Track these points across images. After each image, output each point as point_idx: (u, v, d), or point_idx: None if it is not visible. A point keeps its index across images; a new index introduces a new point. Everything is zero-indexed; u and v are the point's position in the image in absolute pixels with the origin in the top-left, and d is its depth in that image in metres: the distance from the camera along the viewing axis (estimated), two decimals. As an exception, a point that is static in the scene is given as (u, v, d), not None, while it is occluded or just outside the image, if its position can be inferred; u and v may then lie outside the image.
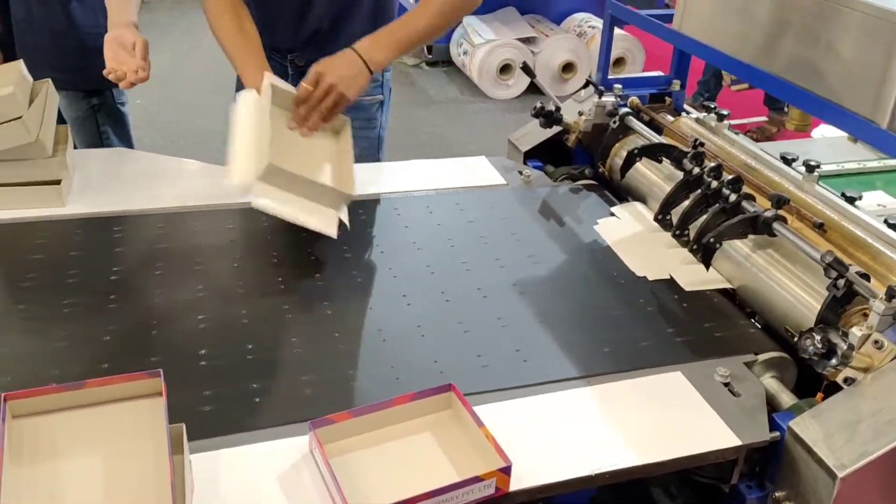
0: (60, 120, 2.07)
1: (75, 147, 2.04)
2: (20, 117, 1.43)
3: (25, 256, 1.38)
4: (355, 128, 1.87)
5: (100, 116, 2.18)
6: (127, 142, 2.29)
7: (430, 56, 5.50)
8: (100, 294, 1.28)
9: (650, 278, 1.44)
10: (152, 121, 3.90)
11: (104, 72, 1.59)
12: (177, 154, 1.88)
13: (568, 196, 1.79)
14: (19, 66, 1.54)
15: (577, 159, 1.97)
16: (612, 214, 1.67)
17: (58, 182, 1.52)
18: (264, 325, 1.25)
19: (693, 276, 1.44)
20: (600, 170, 1.85)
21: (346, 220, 1.46)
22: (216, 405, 1.05)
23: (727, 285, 1.43)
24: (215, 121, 2.76)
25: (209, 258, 1.42)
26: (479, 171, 1.85)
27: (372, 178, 1.78)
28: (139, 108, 2.28)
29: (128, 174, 1.69)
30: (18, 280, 1.32)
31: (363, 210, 1.63)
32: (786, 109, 4.31)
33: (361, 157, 1.92)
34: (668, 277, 1.44)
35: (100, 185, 1.62)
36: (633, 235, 1.58)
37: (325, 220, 1.43)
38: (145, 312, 1.26)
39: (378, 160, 1.97)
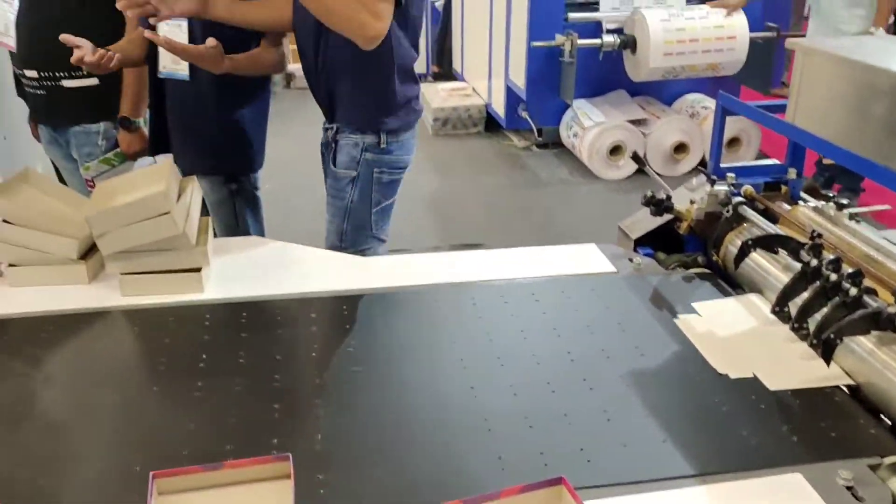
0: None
1: (215, 234, 2.24)
2: (169, 212, 1.58)
3: (167, 339, 1.51)
4: (329, 194, 2.11)
5: (237, 201, 2.37)
6: (260, 224, 2.47)
7: (541, 139, 5.60)
8: (222, 376, 1.38)
9: (732, 376, 1.40)
10: (279, 204, 4.15)
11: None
12: (300, 236, 2.02)
13: (680, 285, 1.78)
14: (170, 164, 1.72)
15: (688, 246, 1.96)
16: (693, 310, 1.63)
17: (198, 270, 1.66)
18: (400, 410, 1.30)
19: (781, 374, 1.39)
20: (714, 258, 1.84)
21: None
22: (326, 489, 1.10)
23: (815, 385, 1.37)
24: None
25: (327, 343, 1.51)
26: (588, 259, 1.88)
27: (484, 264, 1.85)
28: (267, 193, 2.46)
29: (260, 261, 1.82)
30: (159, 362, 1.45)
31: (469, 295, 1.68)
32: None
33: (330, 221, 2.13)
34: (752, 376, 1.39)
35: (235, 272, 1.75)
36: (719, 331, 1.55)
37: None
38: (266, 396, 1.33)
39: (342, 229, 2.09)
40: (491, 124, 6.05)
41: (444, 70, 7.27)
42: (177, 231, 1.59)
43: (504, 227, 4.33)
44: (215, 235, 2.35)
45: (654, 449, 1.22)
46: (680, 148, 5.12)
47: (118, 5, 1.97)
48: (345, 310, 1.62)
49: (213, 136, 2.25)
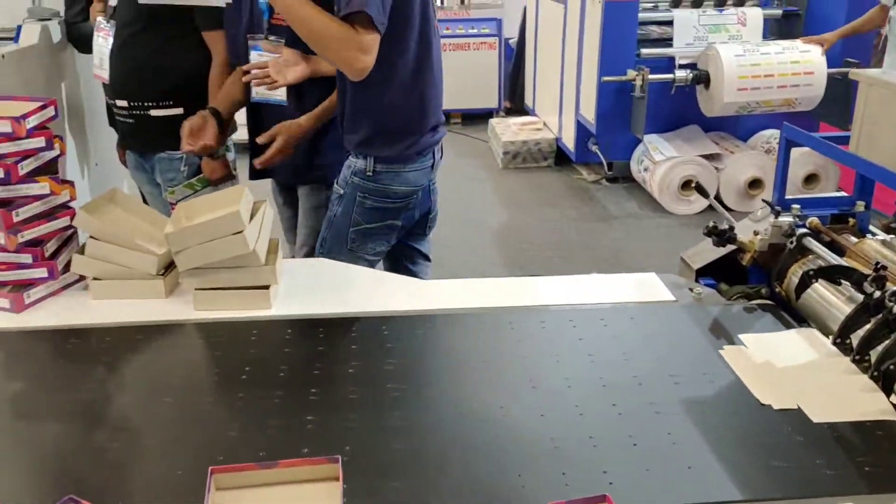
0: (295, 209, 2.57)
1: (297, 242, 2.37)
2: (241, 231, 1.67)
3: (232, 352, 1.59)
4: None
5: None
6: None
7: (611, 173, 5.60)
8: (264, 388, 1.44)
9: (775, 407, 1.37)
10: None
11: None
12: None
13: (740, 315, 1.76)
14: (244, 189, 1.81)
15: (752, 278, 1.94)
16: (741, 342, 1.60)
17: (267, 287, 1.74)
18: (427, 427, 1.33)
19: (830, 407, 1.35)
20: (777, 290, 1.82)
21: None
22: (346, 498, 1.11)
23: (870, 418, 1.32)
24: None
25: (366, 361, 1.55)
26: (648, 287, 1.88)
27: (536, 291, 1.87)
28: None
29: (325, 282, 1.89)
30: (219, 373, 1.53)
31: (507, 320, 1.71)
32: None
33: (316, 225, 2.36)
34: (795, 407, 1.37)
35: (301, 291, 1.83)
36: (768, 362, 1.52)
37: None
38: (301, 408, 1.38)
39: (324, 236, 2.25)
40: (561, 158, 6.08)
41: (517, 105, 7.36)
42: (247, 249, 1.67)
43: (571, 260, 4.33)
44: (302, 242, 2.53)
45: (678, 474, 1.21)
46: (755, 184, 5.04)
47: (244, 78, 2.26)
48: (385, 330, 1.66)
49: (315, 149, 2.42)
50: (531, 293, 1.87)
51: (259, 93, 2.34)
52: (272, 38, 2.29)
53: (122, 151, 2.90)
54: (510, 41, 7.49)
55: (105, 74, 2.60)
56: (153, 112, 2.58)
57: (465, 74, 7.23)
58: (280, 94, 2.35)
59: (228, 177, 2.65)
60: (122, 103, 2.60)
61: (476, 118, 7.21)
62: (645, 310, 1.77)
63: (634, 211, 5.13)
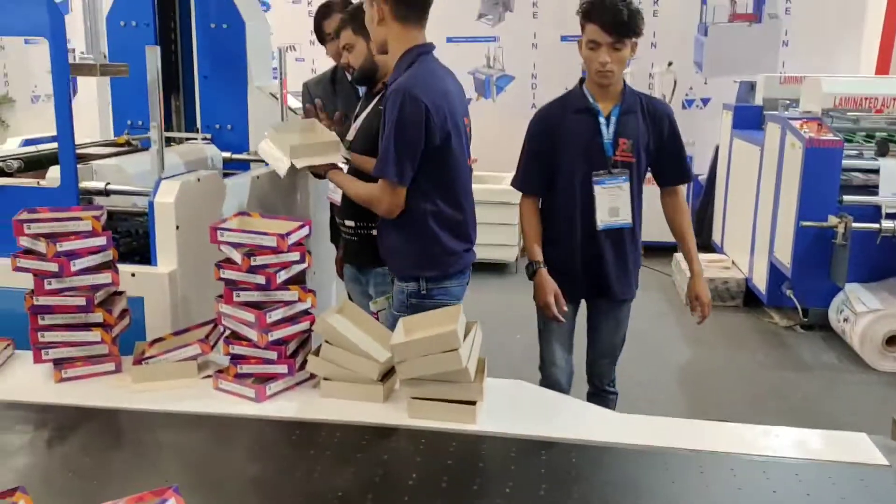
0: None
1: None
2: (456, 349, 1.82)
3: (436, 460, 1.72)
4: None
5: None
6: None
7: (806, 319, 5.34)
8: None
9: None
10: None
11: None
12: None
13: (965, 490, 1.66)
14: (460, 309, 1.98)
15: (978, 449, 1.82)
16: None
17: (473, 403, 1.87)
18: None
19: None
20: None
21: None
22: None
23: None
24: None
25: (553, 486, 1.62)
26: (858, 448, 1.81)
27: (742, 439, 1.86)
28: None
29: (524, 403, 2.00)
30: (428, 478, 1.65)
31: (732, 467, 1.71)
32: None
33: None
34: None
35: (503, 410, 1.94)
36: None
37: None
38: None
39: None
40: (750, 299, 5.89)
41: (703, 241, 7.27)
42: (461, 366, 1.82)
43: (761, 410, 4.14)
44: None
45: None
46: (973, 345, 4.62)
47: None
48: (573, 457, 1.72)
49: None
50: (724, 438, 1.86)
51: (603, 220, 2.76)
52: (615, 171, 2.74)
53: (341, 265, 3.23)
54: (699, 177, 7.49)
55: (337, 197, 2.94)
56: (374, 232, 2.87)
57: (652, 209, 7.24)
58: (625, 219, 2.82)
59: None
60: (349, 223, 2.92)
61: (660, 251, 7.19)
62: (853, 471, 1.71)
63: (832, 363, 4.84)
